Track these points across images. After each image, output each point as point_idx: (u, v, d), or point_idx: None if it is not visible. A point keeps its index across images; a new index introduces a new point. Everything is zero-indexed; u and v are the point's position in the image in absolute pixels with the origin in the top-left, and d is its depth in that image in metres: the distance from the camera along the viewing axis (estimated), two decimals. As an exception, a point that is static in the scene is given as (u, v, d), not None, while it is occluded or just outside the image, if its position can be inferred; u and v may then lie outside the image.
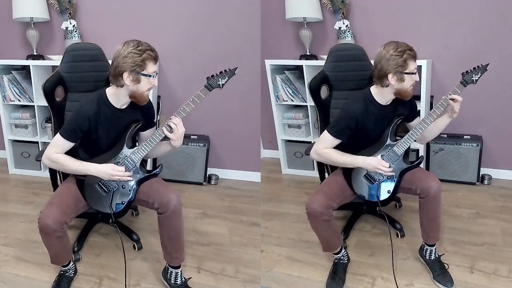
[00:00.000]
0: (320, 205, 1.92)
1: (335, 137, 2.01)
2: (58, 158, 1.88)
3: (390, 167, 1.98)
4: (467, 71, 1.95)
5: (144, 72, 1.79)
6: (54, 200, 1.89)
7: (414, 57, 1.88)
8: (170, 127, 1.86)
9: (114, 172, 1.86)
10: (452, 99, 1.92)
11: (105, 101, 1.89)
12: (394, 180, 2.03)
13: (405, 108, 2.06)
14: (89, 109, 1.87)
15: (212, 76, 1.91)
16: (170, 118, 1.87)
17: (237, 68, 1.95)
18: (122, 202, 1.93)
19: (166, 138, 1.91)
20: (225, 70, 1.92)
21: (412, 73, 1.89)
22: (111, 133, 1.94)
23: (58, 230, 1.80)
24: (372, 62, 1.98)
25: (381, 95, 1.99)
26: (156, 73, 1.85)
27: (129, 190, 1.93)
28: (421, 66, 2.91)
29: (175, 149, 1.96)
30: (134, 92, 1.84)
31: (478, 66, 1.95)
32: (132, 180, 1.93)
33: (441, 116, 2.02)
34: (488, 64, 1.95)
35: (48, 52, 3.51)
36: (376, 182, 2.03)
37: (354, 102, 2.02)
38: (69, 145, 1.89)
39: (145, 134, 2.06)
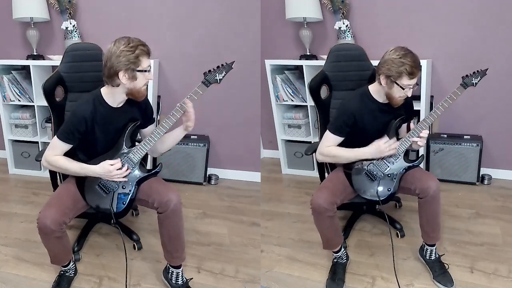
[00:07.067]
0: (325, 200, 1.92)
1: (336, 135, 2.03)
2: (57, 161, 1.88)
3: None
4: (467, 75, 1.98)
5: (139, 68, 1.78)
6: (53, 201, 1.88)
7: (412, 74, 1.91)
8: (183, 108, 1.85)
9: (111, 167, 1.84)
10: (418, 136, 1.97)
11: (100, 101, 1.88)
12: (394, 179, 2.04)
13: (404, 109, 2.07)
14: (84, 110, 1.86)
15: (209, 71, 1.89)
16: (171, 114, 1.86)
17: (234, 62, 1.92)
18: (123, 202, 1.93)
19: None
20: (222, 65, 1.90)
21: (409, 86, 1.91)
22: (109, 133, 1.93)
23: (57, 231, 1.80)
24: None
25: (380, 93, 2.00)
26: (150, 67, 1.84)
27: (130, 190, 1.93)
28: (421, 66, 2.90)
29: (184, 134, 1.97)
30: (131, 90, 1.84)
31: (478, 71, 1.98)
32: (133, 171, 1.92)
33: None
34: (487, 69, 1.98)
35: (48, 52, 3.51)
36: (377, 180, 2.03)
37: (350, 99, 2.05)
38: (67, 147, 1.89)
39: (146, 131, 2.05)
